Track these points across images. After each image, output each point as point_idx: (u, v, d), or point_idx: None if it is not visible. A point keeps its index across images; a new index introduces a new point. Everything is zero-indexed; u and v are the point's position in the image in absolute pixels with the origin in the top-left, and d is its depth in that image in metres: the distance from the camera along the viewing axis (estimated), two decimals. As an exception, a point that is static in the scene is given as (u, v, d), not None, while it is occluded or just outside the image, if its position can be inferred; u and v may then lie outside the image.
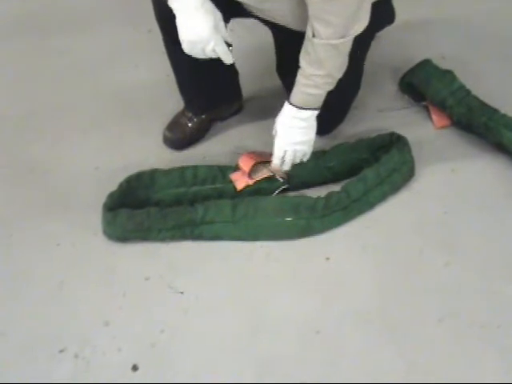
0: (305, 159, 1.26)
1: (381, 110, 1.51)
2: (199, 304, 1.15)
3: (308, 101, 1.17)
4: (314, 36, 1.08)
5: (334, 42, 1.07)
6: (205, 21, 1.06)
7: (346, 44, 1.10)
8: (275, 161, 1.25)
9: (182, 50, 1.12)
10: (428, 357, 1.07)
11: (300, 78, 1.16)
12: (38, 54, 1.71)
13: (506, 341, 1.08)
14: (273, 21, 1.23)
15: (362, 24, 1.08)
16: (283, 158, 1.24)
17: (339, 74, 1.16)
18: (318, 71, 1.12)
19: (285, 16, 1.18)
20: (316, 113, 1.19)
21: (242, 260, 1.22)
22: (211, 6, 1.08)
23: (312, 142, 1.25)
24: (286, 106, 1.20)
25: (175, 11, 1.07)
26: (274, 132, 1.24)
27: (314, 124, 1.22)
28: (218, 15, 1.10)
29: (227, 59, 1.11)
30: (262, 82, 1.53)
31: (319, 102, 1.18)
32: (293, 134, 1.21)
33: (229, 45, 1.10)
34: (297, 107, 1.18)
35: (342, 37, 1.07)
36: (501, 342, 1.08)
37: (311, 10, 1.05)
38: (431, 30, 1.74)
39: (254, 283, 1.19)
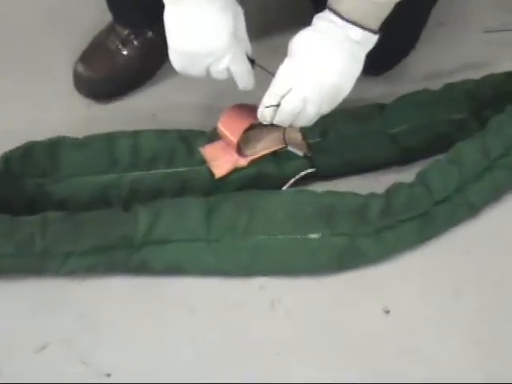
0: (326, 111, 0.94)
1: (488, 30, 1.24)
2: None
3: (368, 11, 0.93)
4: None
5: None
6: (222, 23, 0.90)
7: None
8: (265, 100, 0.95)
9: None
10: None
11: None
12: None
13: None
14: None
15: None
16: (285, 98, 0.93)
17: None
18: None
19: None
20: (373, 41, 0.95)
21: (224, 313, 0.92)
22: None
23: (351, 85, 0.97)
24: (325, 14, 0.94)
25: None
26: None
27: (362, 60, 0.97)
28: (239, 11, 0.92)
29: (247, 84, 0.93)
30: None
31: (382, 17, 0.95)
32: (326, 59, 0.93)
33: (251, 60, 0.94)
34: (344, 19, 0.91)
35: None
36: None
37: None
38: None
39: (246, 355, 0.89)
